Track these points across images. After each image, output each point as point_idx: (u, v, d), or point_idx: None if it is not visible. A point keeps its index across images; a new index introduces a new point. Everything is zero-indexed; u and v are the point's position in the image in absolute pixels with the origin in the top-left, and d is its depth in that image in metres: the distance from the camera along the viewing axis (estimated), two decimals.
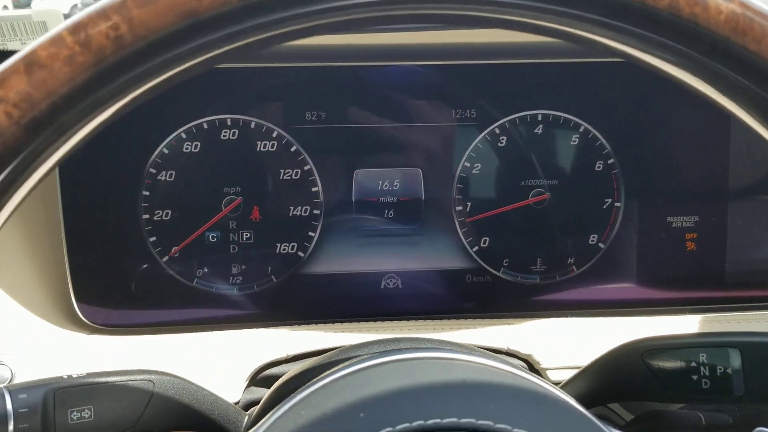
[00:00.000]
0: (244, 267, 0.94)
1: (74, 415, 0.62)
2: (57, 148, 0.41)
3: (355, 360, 0.57)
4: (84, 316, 0.92)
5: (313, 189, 0.94)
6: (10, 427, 0.59)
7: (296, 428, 0.48)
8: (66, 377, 0.65)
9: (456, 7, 0.36)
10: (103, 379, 0.65)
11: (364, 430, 0.45)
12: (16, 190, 0.41)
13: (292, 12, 0.36)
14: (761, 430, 0.54)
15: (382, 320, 0.94)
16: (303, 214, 0.95)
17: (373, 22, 0.38)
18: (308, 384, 0.55)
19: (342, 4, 0.36)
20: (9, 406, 0.60)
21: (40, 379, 0.64)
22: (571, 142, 0.96)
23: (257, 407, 0.70)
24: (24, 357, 0.81)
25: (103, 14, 0.34)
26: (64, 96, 0.35)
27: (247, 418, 0.70)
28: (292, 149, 0.94)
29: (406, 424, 0.45)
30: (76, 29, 0.34)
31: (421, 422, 0.45)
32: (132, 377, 0.67)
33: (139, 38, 0.35)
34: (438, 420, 0.45)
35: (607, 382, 0.71)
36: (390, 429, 0.45)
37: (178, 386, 0.68)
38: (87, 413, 0.63)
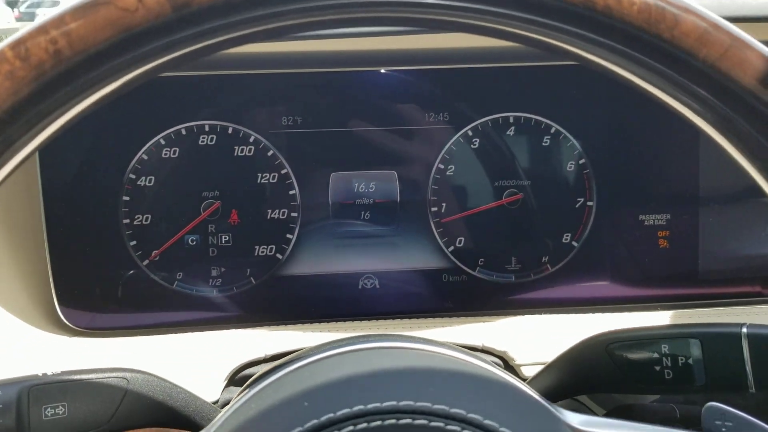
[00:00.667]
0: (223, 269, 0.96)
1: (48, 412, 0.64)
2: (5, 161, 0.42)
3: (308, 354, 0.59)
4: (67, 320, 0.94)
5: (290, 192, 0.96)
6: None
7: (246, 420, 0.50)
8: (41, 375, 0.66)
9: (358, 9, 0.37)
10: (77, 377, 0.67)
11: (308, 418, 0.47)
12: None
13: (220, 22, 0.38)
14: (712, 404, 0.55)
15: (360, 320, 0.95)
16: (281, 217, 0.96)
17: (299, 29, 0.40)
18: (262, 378, 0.56)
19: (263, 12, 0.37)
20: None
21: (15, 377, 0.65)
22: (543, 143, 0.98)
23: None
24: (6, 359, 0.82)
25: (42, 29, 0.36)
26: (7, 110, 0.37)
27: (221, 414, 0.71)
28: (269, 154, 0.96)
29: (346, 410, 0.46)
30: (16, 44, 0.36)
31: (360, 407, 0.46)
32: (106, 375, 0.68)
33: (77, 52, 0.36)
34: (377, 404, 0.46)
35: (573, 374, 0.72)
36: (331, 415, 0.46)
37: (151, 383, 0.70)
38: (61, 410, 0.64)
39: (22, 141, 0.40)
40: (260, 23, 0.37)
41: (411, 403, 0.47)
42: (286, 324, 0.95)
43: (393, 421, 0.46)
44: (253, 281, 0.97)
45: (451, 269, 0.98)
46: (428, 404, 0.46)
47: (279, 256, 0.97)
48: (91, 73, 0.37)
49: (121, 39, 0.36)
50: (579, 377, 0.72)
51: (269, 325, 0.94)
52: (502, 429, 0.45)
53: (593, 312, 0.98)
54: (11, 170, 0.44)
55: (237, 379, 0.86)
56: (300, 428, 0.47)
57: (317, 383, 0.52)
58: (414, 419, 0.46)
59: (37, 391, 0.64)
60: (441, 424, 0.45)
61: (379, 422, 0.47)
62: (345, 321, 0.95)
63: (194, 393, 0.72)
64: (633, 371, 0.70)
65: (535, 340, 0.90)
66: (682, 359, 0.69)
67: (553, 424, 0.50)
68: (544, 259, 0.99)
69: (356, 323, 0.95)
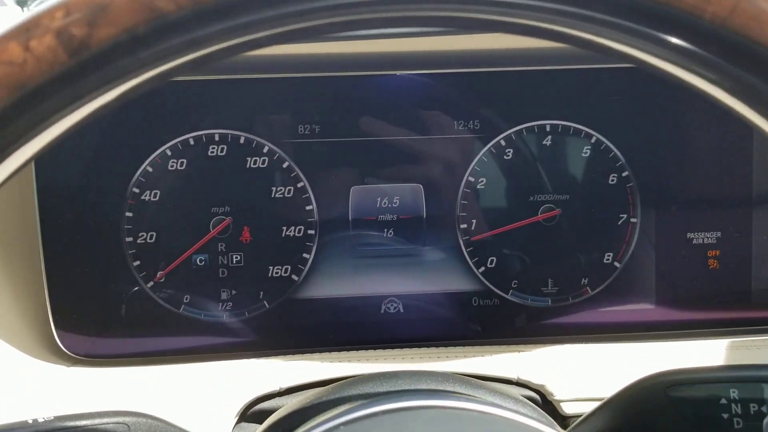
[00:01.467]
0: (234, 292, 0.89)
1: None
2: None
3: (348, 406, 0.51)
4: (64, 346, 0.86)
5: (307, 207, 0.89)
6: None
7: None
8: (31, 422, 0.59)
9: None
10: (73, 423, 0.59)
11: None
12: None
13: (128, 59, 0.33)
14: None
15: (383, 348, 0.88)
16: (296, 234, 0.89)
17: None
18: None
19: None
20: None
21: (3, 424, 0.58)
22: (582, 154, 0.90)
23: None
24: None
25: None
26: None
27: None
28: (284, 165, 0.88)
29: None
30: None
31: None
32: (105, 420, 0.61)
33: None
34: None
35: (628, 419, 0.64)
36: None
37: (155, 429, 0.62)
38: None
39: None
40: (179, 54, 0.33)
41: None
42: (302, 352, 0.87)
43: None
44: (267, 305, 0.89)
45: (482, 292, 0.91)
46: None
47: (294, 277, 0.89)
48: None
49: (18, 99, 0.32)
50: (635, 422, 0.64)
51: (284, 353, 0.87)
52: None
53: (637, 339, 0.90)
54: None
55: (249, 414, 0.79)
56: None
57: None
58: None
59: None
60: None
61: None
62: (366, 349, 0.87)
63: None
64: (697, 419, 0.62)
65: (576, 372, 0.82)
66: (754, 406, 0.61)
67: None
68: (583, 281, 0.91)
69: (379, 352, 0.87)
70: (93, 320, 0.87)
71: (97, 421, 0.60)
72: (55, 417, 0.60)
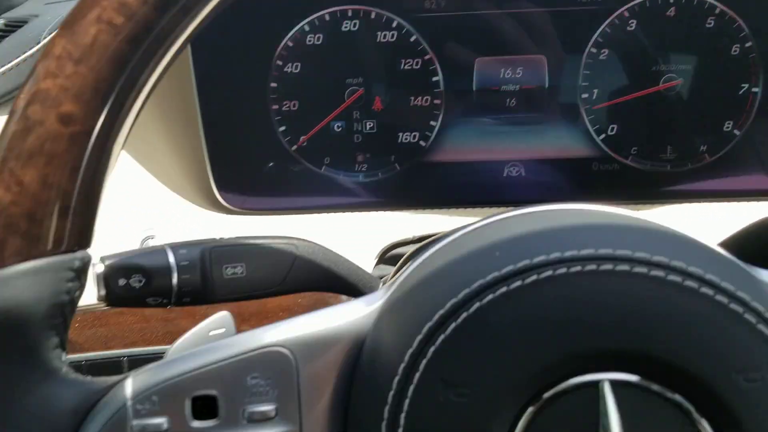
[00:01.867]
0: (368, 155, 0.96)
1: (228, 271, 0.67)
2: (186, 26, 0.43)
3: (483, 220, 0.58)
4: (224, 201, 0.97)
5: (434, 79, 0.94)
6: (174, 277, 0.64)
7: (433, 270, 0.50)
8: (218, 238, 0.69)
9: None
10: (251, 241, 0.69)
11: (501, 265, 0.46)
12: (154, 67, 0.44)
13: None
14: None
15: (506, 207, 0.93)
16: (424, 104, 0.95)
17: None
18: (442, 237, 0.56)
19: None
20: (172, 259, 0.65)
21: (196, 239, 0.69)
22: (707, 25, 0.91)
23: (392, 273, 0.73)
24: (175, 230, 0.87)
25: None
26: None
27: (382, 284, 0.73)
28: (412, 39, 0.93)
29: (543, 257, 0.45)
30: None
31: (558, 254, 0.45)
32: (276, 241, 0.71)
33: None
34: (575, 251, 0.45)
35: (752, 251, 0.68)
36: (527, 261, 0.45)
37: (317, 251, 0.72)
38: (240, 269, 0.67)
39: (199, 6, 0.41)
40: None
41: (610, 251, 0.46)
42: (430, 209, 0.95)
43: (609, 266, 0.45)
44: (398, 167, 0.96)
45: (602, 157, 0.94)
46: (628, 252, 0.44)
47: (422, 143, 0.96)
48: None
49: None
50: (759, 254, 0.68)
51: (413, 210, 0.95)
52: (723, 284, 0.43)
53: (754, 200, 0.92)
54: (188, 36, 0.45)
55: (387, 257, 0.88)
56: (497, 273, 0.47)
57: (506, 236, 0.51)
58: (632, 266, 0.44)
59: (217, 251, 0.68)
60: (662, 274, 0.44)
61: (579, 267, 0.46)
62: (489, 207, 0.94)
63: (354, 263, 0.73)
64: None
65: (698, 230, 0.86)
66: None
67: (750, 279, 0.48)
68: (702, 148, 0.94)
69: (501, 210, 0.93)
70: (247, 179, 0.97)
71: (271, 241, 0.70)
72: (236, 237, 0.70)
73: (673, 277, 0.44)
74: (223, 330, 0.54)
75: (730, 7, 0.91)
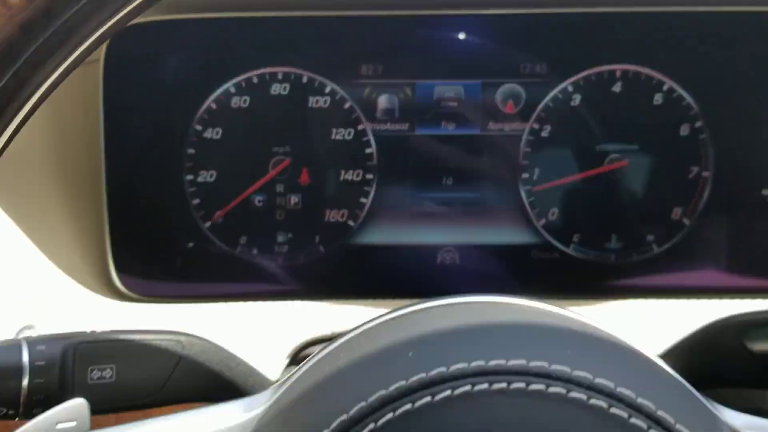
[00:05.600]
0: (290, 235, 0.88)
1: (94, 374, 0.57)
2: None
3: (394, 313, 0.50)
4: (122, 284, 0.87)
5: (367, 151, 0.88)
6: (25, 381, 0.54)
7: (333, 371, 0.41)
8: (89, 332, 0.59)
9: None
10: (129, 337, 0.60)
11: (415, 371, 0.38)
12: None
13: None
14: None
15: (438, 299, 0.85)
16: (355, 178, 0.88)
17: None
18: (348, 331, 0.47)
19: None
20: (25, 358, 0.55)
21: (61, 332, 0.59)
22: (654, 102, 0.87)
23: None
24: (54, 317, 0.76)
25: None
26: None
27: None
28: (346, 106, 0.87)
29: (463, 365, 0.37)
30: None
31: (480, 363, 0.37)
32: (159, 337, 0.61)
33: None
34: (502, 361, 0.36)
35: (697, 365, 0.61)
36: (443, 369, 0.37)
37: (209, 350, 0.62)
38: (108, 373, 0.57)
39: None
40: None
41: (544, 365, 0.37)
42: (356, 299, 0.86)
43: (521, 385, 0.36)
44: (322, 250, 0.88)
45: (542, 245, 0.88)
46: (567, 369, 0.36)
47: (351, 222, 0.88)
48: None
49: None
50: (704, 368, 0.61)
51: (338, 299, 0.86)
52: (660, 413, 0.35)
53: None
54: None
55: (300, 357, 0.78)
56: (404, 382, 0.38)
57: (423, 333, 0.43)
58: (547, 385, 0.36)
59: (84, 349, 0.58)
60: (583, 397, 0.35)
61: (504, 384, 0.37)
62: (421, 299, 0.85)
63: (254, 365, 0.64)
64: None
65: (639, 330, 0.78)
66: None
67: (712, 421, 0.40)
68: (649, 237, 0.87)
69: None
70: (151, 259, 0.88)
71: (152, 337, 0.61)
72: (111, 330, 0.61)
73: (619, 414, 0.36)
74: (73, 424, 0.45)
75: (678, 84, 0.86)
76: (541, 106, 0.86)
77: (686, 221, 0.88)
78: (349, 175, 0.88)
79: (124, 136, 0.87)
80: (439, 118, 0.87)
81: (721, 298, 0.87)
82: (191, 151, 0.87)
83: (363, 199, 0.88)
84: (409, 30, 0.86)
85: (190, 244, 0.88)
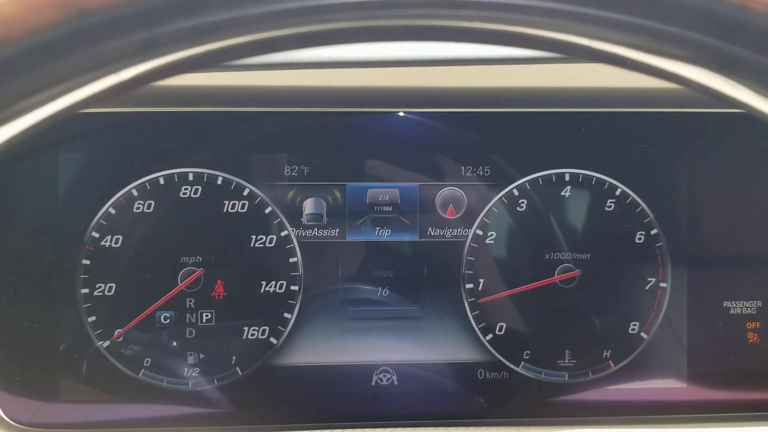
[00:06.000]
0: (202, 356, 0.78)
1: None
2: None
3: None
4: (6, 414, 0.75)
5: (291, 260, 0.78)
6: None
7: None
8: None
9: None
10: None
11: None
12: None
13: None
14: None
15: (374, 426, 0.76)
16: (277, 290, 0.79)
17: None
18: None
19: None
20: None
21: None
22: (606, 208, 0.81)
23: None
24: None
25: None
26: None
27: None
28: (267, 211, 0.78)
29: None
30: None
31: None
32: None
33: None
34: None
35: None
36: None
37: None
38: None
39: None
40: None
41: None
42: (279, 428, 0.76)
43: None
44: (239, 372, 0.79)
45: (489, 363, 0.80)
46: None
47: (273, 340, 0.79)
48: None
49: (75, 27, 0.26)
50: None
51: (258, 429, 0.75)
52: None
53: (666, 423, 0.79)
54: None
55: None
56: None
57: None
58: None
59: None
60: None
61: None
62: (354, 427, 0.75)
63: None
64: None
65: None
66: None
67: None
68: (605, 353, 0.81)
69: (367, 431, 0.75)
70: (39, 384, 0.77)
71: None
72: None
73: None
74: None
75: (632, 189, 0.80)
76: (485, 211, 0.80)
77: (644, 335, 0.81)
78: (271, 287, 0.79)
79: (8, 244, 0.76)
80: (373, 223, 0.79)
81: (681, 416, 0.80)
82: (86, 261, 0.76)
83: (287, 314, 0.79)
84: (339, 127, 0.78)
85: (87, 366, 0.77)
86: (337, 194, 0.79)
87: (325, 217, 0.79)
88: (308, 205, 0.78)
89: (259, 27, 0.29)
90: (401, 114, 0.78)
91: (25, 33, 0.28)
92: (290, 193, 0.78)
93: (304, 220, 0.78)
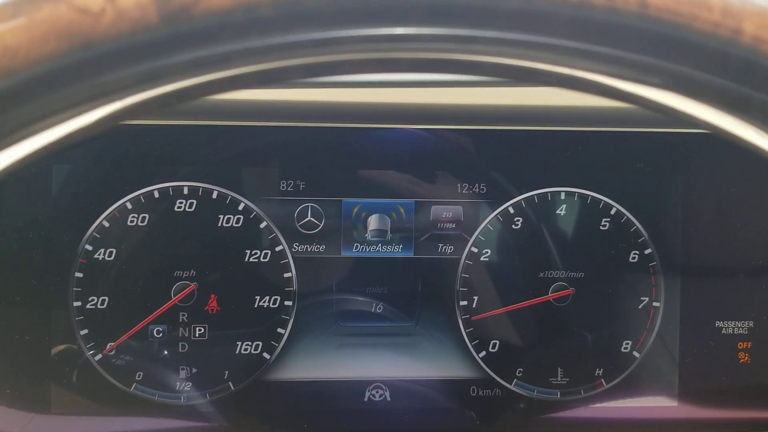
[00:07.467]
0: (195, 370, 0.78)
1: None
2: None
3: None
4: None
5: (285, 275, 0.78)
6: None
7: None
8: None
9: None
10: None
11: None
12: None
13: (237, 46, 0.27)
14: None
15: None
16: (271, 305, 0.79)
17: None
18: None
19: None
20: None
21: None
22: (600, 227, 0.81)
23: None
24: None
25: None
26: None
27: None
28: (261, 226, 0.78)
29: None
30: None
31: None
32: None
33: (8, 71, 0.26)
34: None
35: None
36: None
37: None
38: None
39: None
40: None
41: None
42: None
43: None
44: (232, 387, 0.78)
45: (482, 380, 0.80)
46: None
47: (266, 355, 0.78)
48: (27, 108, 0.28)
49: (77, 57, 0.27)
50: None
51: None
52: None
53: None
54: None
55: None
56: None
57: None
58: None
59: None
60: None
61: None
62: None
63: None
64: None
65: None
66: None
67: None
68: (597, 371, 0.81)
69: None
70: (31, 395, 0.76)
71: None
72: None
73: None
74: None
75: (626, 209, 0.81)
76: (480, 228, 0.79)
77: (636, 354, 0.81)
78: (265, 302, 0.79)
79: (2, 257, 0.75)
80: (366, 238, 0.79)
81: None
82: (79, 274, 0.76)
83: (280, 329, 0.79)
84: (336, 143, 0.78)
85: (78, 379, 0.76)
86: (333, 209, 0.78)
87: (389, 233, 0.78)
88: (372, 221, 0.78)
89: (265, 59, 0.29)
90: (403, 130, 0.78)
91: (29, 63, 0.28)
92: (285, 208, 0.78)
93: (298, 234, 0.78)
